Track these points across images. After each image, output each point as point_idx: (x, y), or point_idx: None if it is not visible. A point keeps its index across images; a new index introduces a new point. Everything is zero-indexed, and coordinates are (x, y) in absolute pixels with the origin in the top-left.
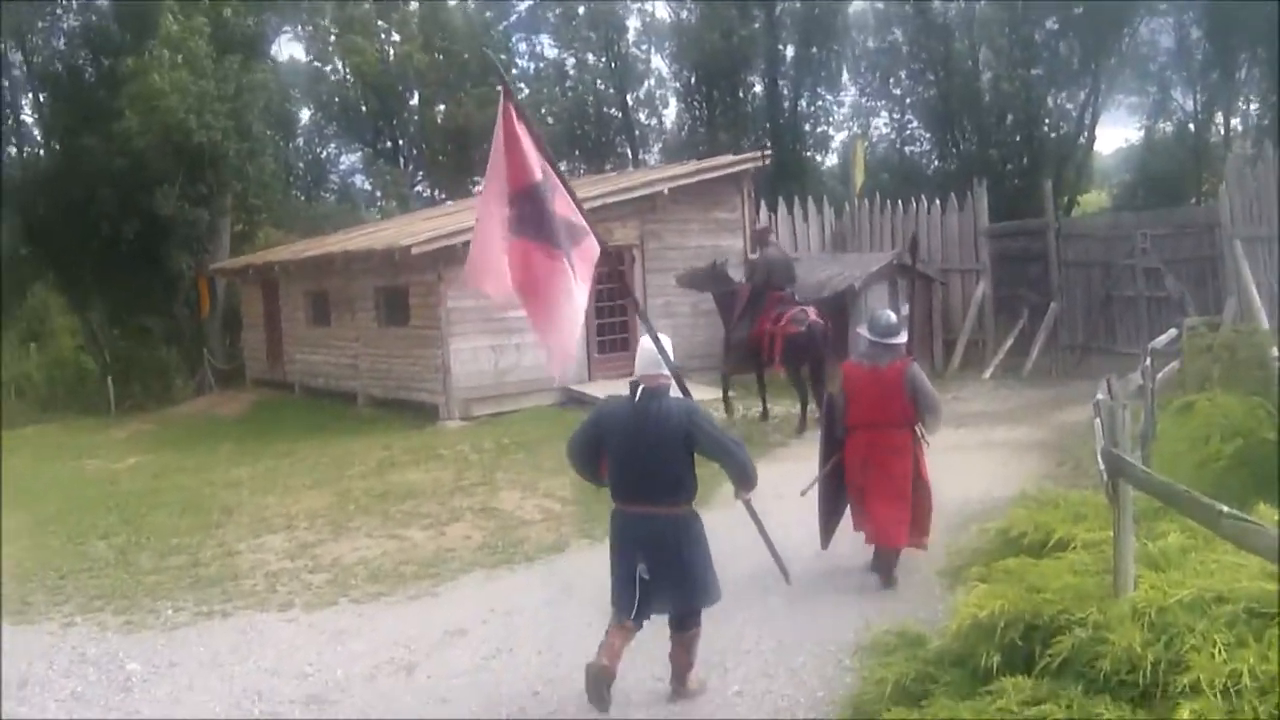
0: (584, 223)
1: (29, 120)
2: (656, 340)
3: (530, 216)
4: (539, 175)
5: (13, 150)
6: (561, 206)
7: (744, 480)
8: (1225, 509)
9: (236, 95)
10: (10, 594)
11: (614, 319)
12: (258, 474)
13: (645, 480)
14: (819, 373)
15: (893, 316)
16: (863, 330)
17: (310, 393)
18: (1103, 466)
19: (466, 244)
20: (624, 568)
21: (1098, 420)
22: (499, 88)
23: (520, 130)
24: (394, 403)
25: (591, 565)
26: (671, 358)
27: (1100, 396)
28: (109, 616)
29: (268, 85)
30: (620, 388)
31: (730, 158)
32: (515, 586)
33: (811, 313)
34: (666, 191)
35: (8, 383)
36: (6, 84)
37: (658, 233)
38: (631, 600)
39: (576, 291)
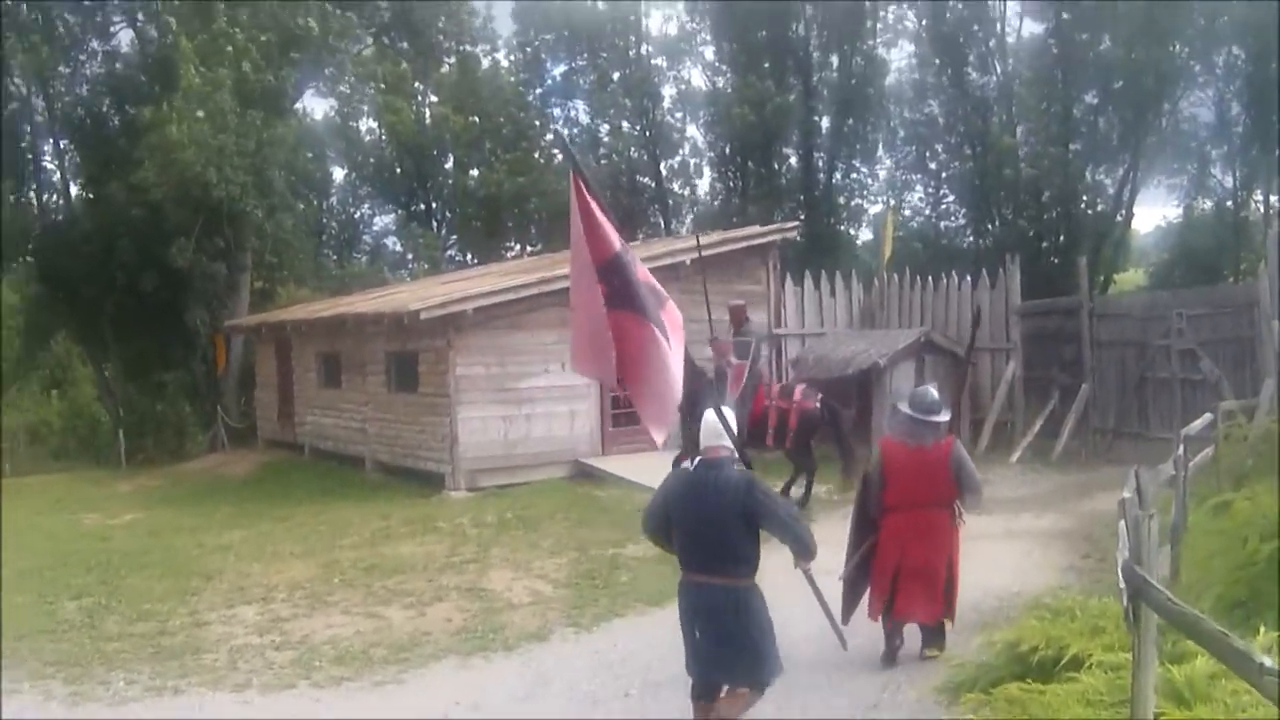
0: (660, 288)
1: (50, 167)
2: (719, 412)
3: (619, 288)
4: (618, 246)
5: (33, 196)
6: (643, 274)
7: (804, 553)
8: (1268, 662)
9: (257, 150)
10: None
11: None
12: (250, 538)
13: (705, 550)
14: (847, 445)
15: (935, 393)
16: (904, 407)
17: (320, 455)
18: (1123, 585)
19: (478, 309)
20: (690, 638)
21: (1122, 525)
22: (565, 161)
23: (593, 205)
24: (401, 470)
25: (572, 658)
26: (735, 430)
27: (1126, 495)
28: (57, 685)
29: (289, 141)
30: (635, 461)
31: (756, 229)
32: (487, 678)
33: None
34: (689, 262)
35: (26, 429)
36: (28, 129)
37: (681, 303)
38: (695, 669)
39: (671, 358)
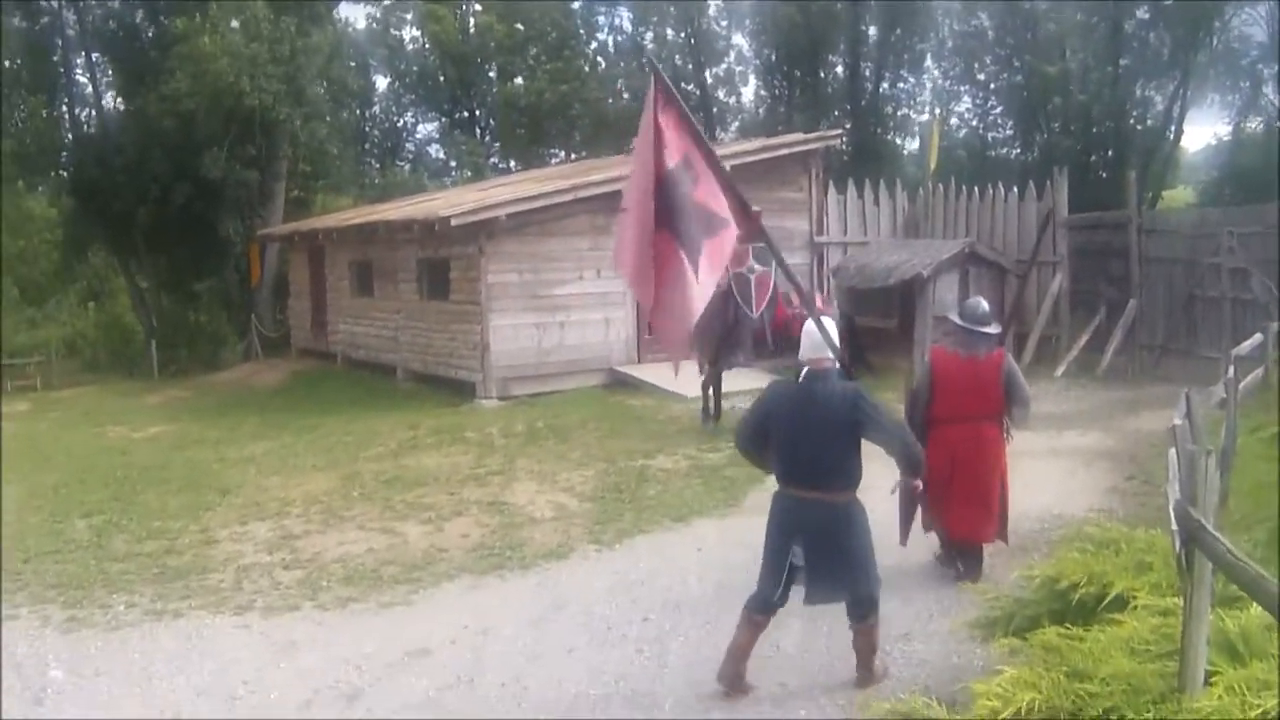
0: (726, 211)
1: (83, 80)
2: (819, 323)
3: (664, 207)
4: (673, 163)
5: (65, 109)
6: (702, 194)
7: (912, 467)
8: None
9: (291, 58)
10: None
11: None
12: (273, 450)
13: (809, 465)
14: (860, 358)
15: (985, 304)
16: (955, 318)
17: (352, 364)
18: (1175, 527)
19: (510, 215)
20: (777, 552)
21: (1173, 454)
22: (645, 68)
23: (665, 116)
24: (433, 379)
25: (591, 577)
26: (835, 341)
27: (1177, 421)
28: (55, 610)
29: (324, 49)
30: (671, 370)
31: (799, 136)
32: (500, 598)
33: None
34: (728, 168)
35: (64, 341)
36: (60, 43)
37: None
38: (775, 585)
39: (694, 291)
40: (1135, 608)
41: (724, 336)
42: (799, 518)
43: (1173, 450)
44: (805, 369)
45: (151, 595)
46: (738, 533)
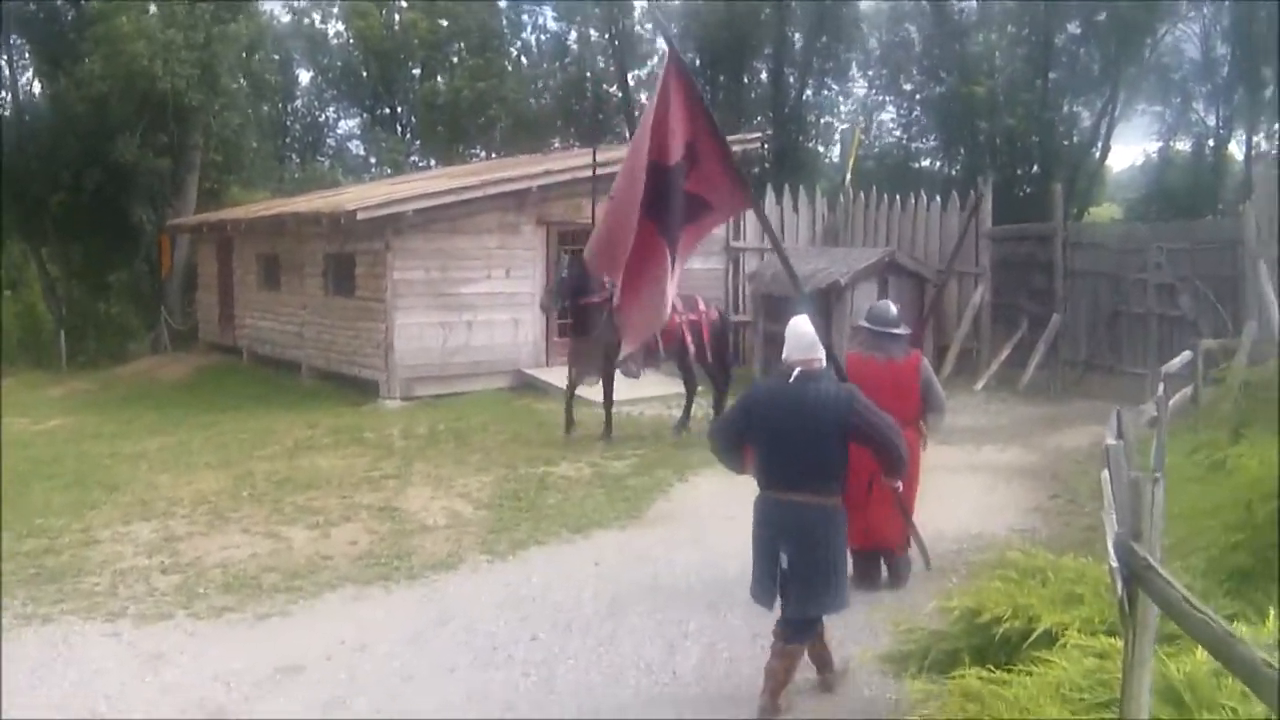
0: (717, 194)
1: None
2: (807, 321)
3: (655, 196)
4: (677, 156)
5: None
6: (694, 181)
7: (897, 469)
8: None
9: (206, 45)
10: None
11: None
12: (168, 446)
13: (798, 466)
14: (728, 364)
15: (893, 307)
16: (864, 322)
17: (258, 360)
18: (1114, 563)
19: (417, 211)
20: (766, 558)
21: (1106, 477)
22: (664, 51)
23: (676, 97)
24: (337, 376)
25: (480, 591)
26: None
27: (1111, 441)
28: None
29: (240, 39)
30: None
31: None
32: (383, 611)
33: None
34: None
35: None
36: None
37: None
38: (772, 593)
39: (669, 282)
40: (1066, 645)
41: (614, 346)
42: (783, 520)
43: (1105, 472)
44: (796, 370)
45: (23, 598)
46: (638, 546)
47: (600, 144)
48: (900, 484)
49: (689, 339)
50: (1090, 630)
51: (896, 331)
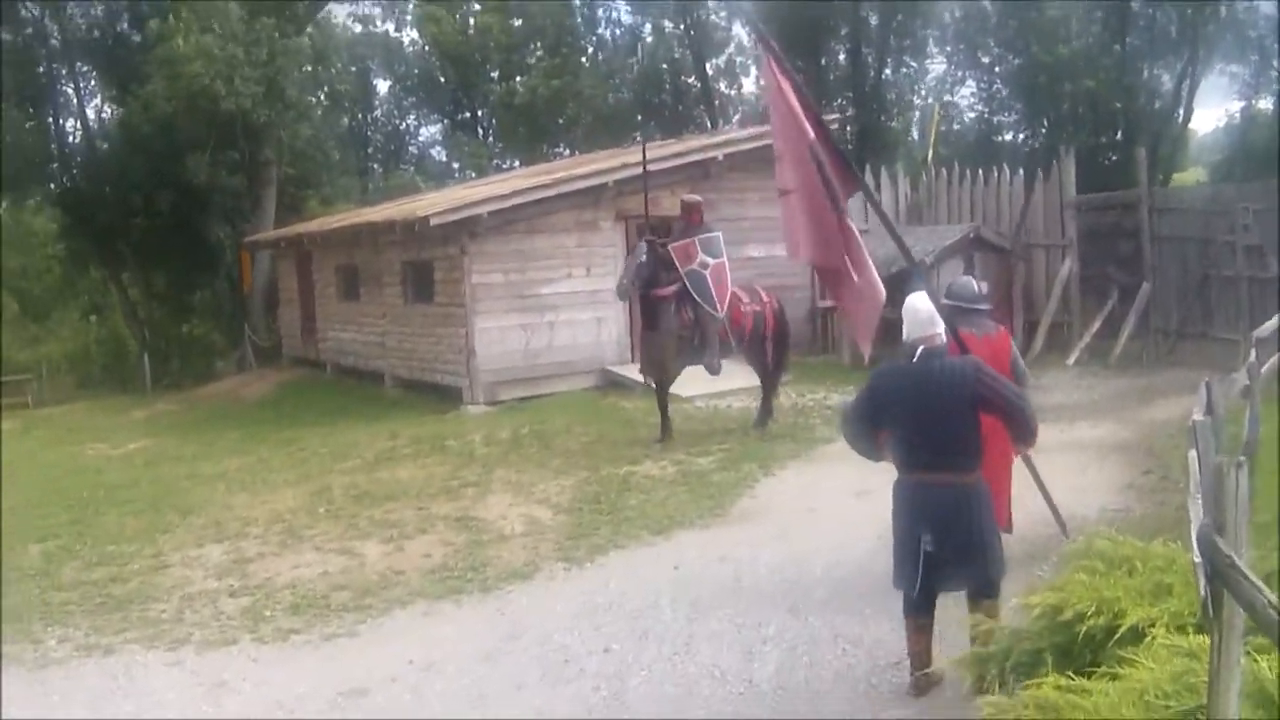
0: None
1: (68, 91)
2: (925, 296)
3: (826, 184)
4: (811, 136)
5: (52, 121)
6: (831, 161)
7: (1028, 436)
8: None
9: (270, 60)
10: None
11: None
12: (246, 465)
13: (935, 446)
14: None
15: (975, 283)
16: (945, 299)
17: (341, 372)
18: (1197, 558)
19: (492, 213)
20: (909, 541)
21: (1193, 457)
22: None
23: (789, 86)
24: (420, 385)
25: (554, 601)
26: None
27: (1198, 416)
28: None
29: (305, 51)
30: None
31: None
32: (453, 627)
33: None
34: (721, 158)
35: (66, 357)
36: (44, 53)
37: (712, 203)
38: (914, 578)
39: (868, 261)
40: (1153, 643)
41: (685, 340)
42: (924, 503)
43: (1193, 452)
44: (920, 348)
45: (87, 628)
46: (720, 546)
47: (681, 135)
48: (1031, 450)
49: (751, 329)
50: (1179, 625)
51: (981, 307)
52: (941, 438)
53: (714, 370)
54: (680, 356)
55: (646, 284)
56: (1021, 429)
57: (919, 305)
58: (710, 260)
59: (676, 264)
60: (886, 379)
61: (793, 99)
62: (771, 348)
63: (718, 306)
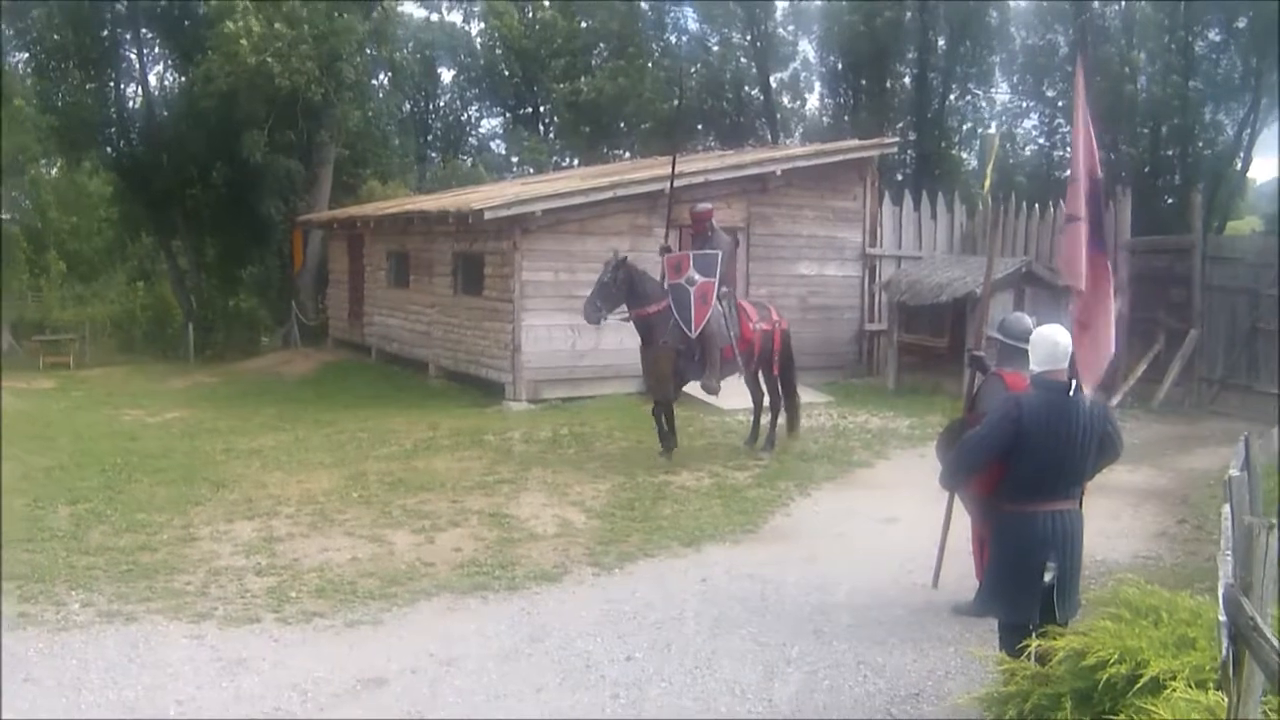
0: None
1: (131, 57)
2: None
3: (1094, 219)
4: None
5: (113, 86)
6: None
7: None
8: None
9: (324, 39)
10: None
11: None
12: (283, 444)
13: (1068, 475)
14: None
15: (1028, 319)
16: (996, 334)
17: (385, 358)
18: (1223, 617)
19: (545, 211)
20: (1029, 572)
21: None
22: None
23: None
24: (464, 377)
25: (580, 605)
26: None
27: (1234, 473)
28: (9, 604)
29: (359, 31)
30: None
31: (854, 142)
32: (476, 623)
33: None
34: (779, 172)
35: (111, 320)
36: (109, 17)
37: (767, 217)
38: (1034, 608)
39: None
40: (1173, 692)
41: (684, 356)
42: (1055, 532)
43: (1226, 508)
44: (1046, 379)
45: (111, 595)
46: (749, 563)
47: (743, 146)
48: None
49: (760, 349)
50: (1199, 680)
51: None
52: (1076, 468)
53: (711, 390)
54: (679, 373)
55: (630, 302)
56: (1106, 466)
57: (1058, 338)
58: (699, 277)
59: (666, 275)
60: (1036, 409)
61: (1090, 130)
62: (778, 371)
63: (694, 326)
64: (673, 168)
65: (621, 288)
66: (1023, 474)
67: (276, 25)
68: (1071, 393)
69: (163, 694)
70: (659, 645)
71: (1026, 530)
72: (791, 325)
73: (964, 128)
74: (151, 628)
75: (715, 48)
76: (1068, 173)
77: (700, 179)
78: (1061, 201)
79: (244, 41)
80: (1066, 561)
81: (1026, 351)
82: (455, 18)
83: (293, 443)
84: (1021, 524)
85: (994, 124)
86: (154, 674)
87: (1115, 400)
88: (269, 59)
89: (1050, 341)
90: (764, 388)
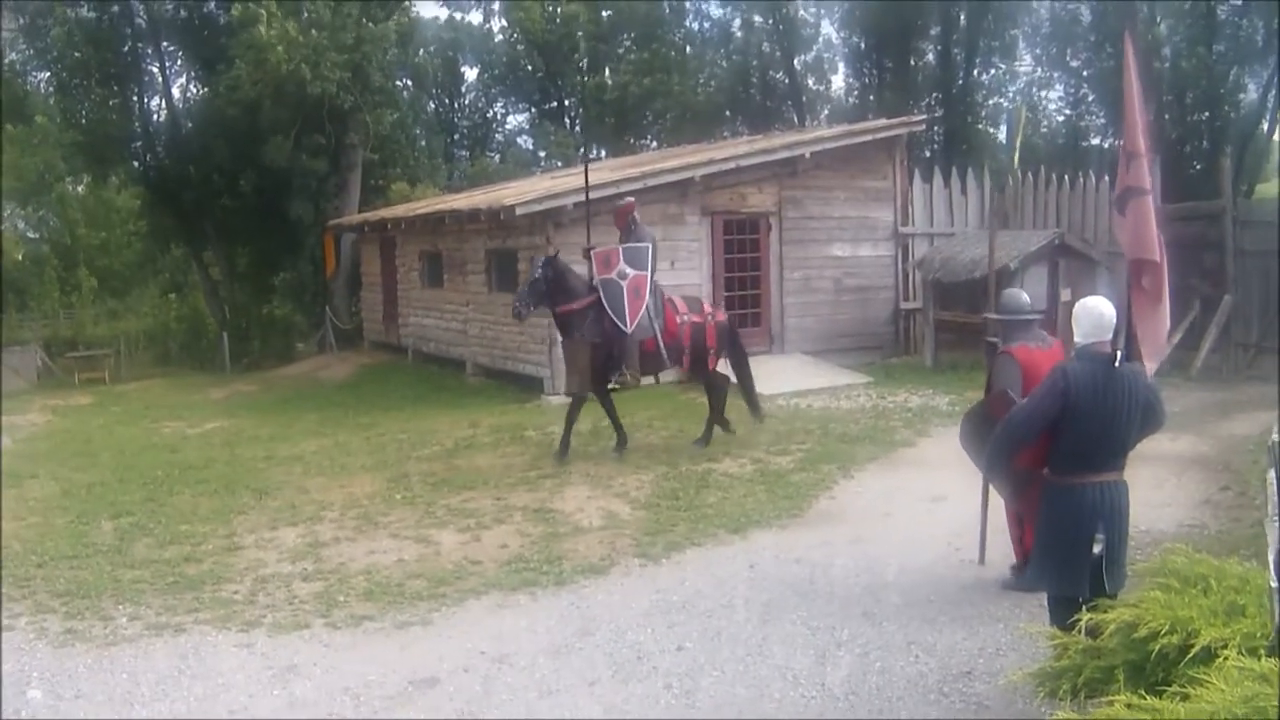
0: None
1: (154, 70)
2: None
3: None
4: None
5: (136, 100)
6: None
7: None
8: None
9: (355, 46)
10: None
11: (742, 291)
12: (324, 449)
13: (1114, 446)
14: (746, 370)
15: (1024, 294)
16: (1000, 315)
17: (422, 358)
18: (1274, 582)
19: (577, 204)
20: (1079, 544)
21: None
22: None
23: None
24: (501, 374)
25: (629, 597)
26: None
27: (1276, 437)
28: (55, 621)
29: (389, 37)
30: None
31: (882, 121)
32: (526, 620)
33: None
34: (808, 155)
35: (144, 333)
36: (129, 32)
37: (798, 200)
38: (1085, 581)
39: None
40: (1225, 659)
41: (606, 353)
42: (1104, 503)
43: (1271, 473)
44: (1091, 351)
45: (159, 607)
46: (796, 548)
47: (769, 130)
48: None
49: (690, 342)
50: (1250, 647)
51: (1030, 317)
52: (1122, 438)
53: (626, 384)
54: (597, 367)
55: (554, 300)
56: (1144, 438)
57: (1103, 310)
58: (631, 271)
59: (595, 271)
60: (1084, 380)
61: (1143, 104)
62: (714, 365)
63: (628, 321)
64: (585, 179)
65: (553, 285)
66: (1069, 446)
67: (311, 32)
68: (1117, 363)
69: (215, 704)
70: (709, 634)
71: (1074, 502)
72: (827, 307)
73: (990, 102)
74: (200, 638)
75: (738, 33)
76: (1109, 143)
77: (730, 164)
78: (1090, 171)
79: (280, 48)
80: (1114, 532)
81: (1027, 324)
82: (475, 15)
83: (334, 447)
84: (1069, 496)
85: (1021, 97)
86: (205, 684)
87: (1152, 369)
88: (302, 65)
89: (1096, 313)
90: (719, 379)
